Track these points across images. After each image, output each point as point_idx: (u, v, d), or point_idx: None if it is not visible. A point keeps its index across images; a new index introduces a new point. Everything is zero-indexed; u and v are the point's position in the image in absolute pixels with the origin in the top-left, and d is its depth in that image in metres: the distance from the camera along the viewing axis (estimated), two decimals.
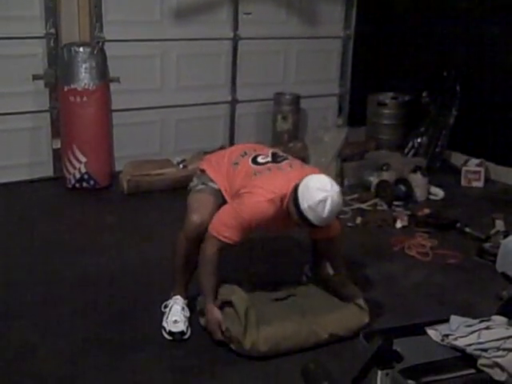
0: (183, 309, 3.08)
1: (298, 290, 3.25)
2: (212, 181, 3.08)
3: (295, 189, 2.77)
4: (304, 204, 2.72)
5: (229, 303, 2.93)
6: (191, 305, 3.14)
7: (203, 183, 3.09)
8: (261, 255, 3.85)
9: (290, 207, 2.81)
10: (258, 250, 3.85)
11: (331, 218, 2.78)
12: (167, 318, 3.04)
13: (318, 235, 3.16)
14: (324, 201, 2.70)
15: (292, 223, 2.91)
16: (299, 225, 2.89)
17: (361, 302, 3.10)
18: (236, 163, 3.06)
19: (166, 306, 3.11)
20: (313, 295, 3.20)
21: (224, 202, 3.02)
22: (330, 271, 3.28)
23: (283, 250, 3.93)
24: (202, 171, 3.16)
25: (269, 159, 3.03)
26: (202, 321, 3.06)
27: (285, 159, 3.05)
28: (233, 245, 2.90)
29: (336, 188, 2.77)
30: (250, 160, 3.03)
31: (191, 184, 3.17)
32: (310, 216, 2.73)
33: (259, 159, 3.03)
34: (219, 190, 3.05)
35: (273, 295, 3.17)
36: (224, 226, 2.87)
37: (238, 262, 3.55)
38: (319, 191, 2.71)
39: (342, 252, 3.32)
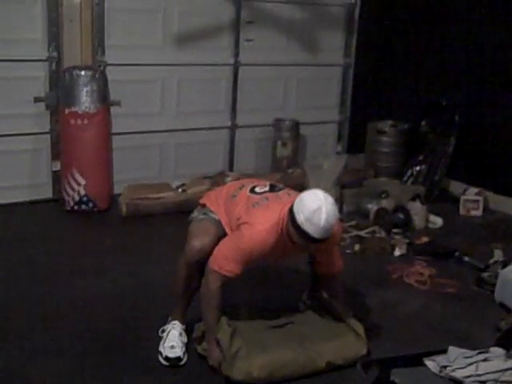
0: (181, 334, 3.06)
1: (296, 318, 3.23)
2: (213, 212, 3.09)
3: (291, 208, 2.77)
4: (300, 217, 2.71)
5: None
6: (189, 330, 3.12)
7: (204, 213, 3.10)
8: (258, 282, 3.83)
9: (288, 228, 2.79)
10: (255, 278, 3.83)
11: (329, 227, 2.74)
12: (164, 343, 3.02)
13: (322, 268, 3.17)
14: (319, 209, 2.69)
15: (292, 250, 2.91)
16: (300, 248, 2.89)
17: (360, 330, 3.08)
18: (234, 196, 3.07)
19: (163, 331, 3.09)
20: (311, 323, 3.19)
21: (224, 233, 3.02)
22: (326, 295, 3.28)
23: (281, 277, 3.91)
24: (203, 206, 3.16)
25: (266, 189, 3.04)
26: (199, 348, 3.04)
27: (282, 189, 3.07)
28: (234, 277, 2.89)
29: (330, 199, 2.78)
30: (247, 190, 3.04)
31: (192, 215, 3.17)
32: (308, 228, 2.71)
33: (257, 189, 3.03)
34: (220, 221, 3.05)
35: (271, 323, 3.15)
36: (225, 260, 2.86)
37: (235, 290, 3.53)
38: (313, 201, 2.72)
39: (342, 289, 3.31)
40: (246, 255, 2.84)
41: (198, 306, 2.99)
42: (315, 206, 2.70)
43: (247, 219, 2.88)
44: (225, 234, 3.01)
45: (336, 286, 3.26)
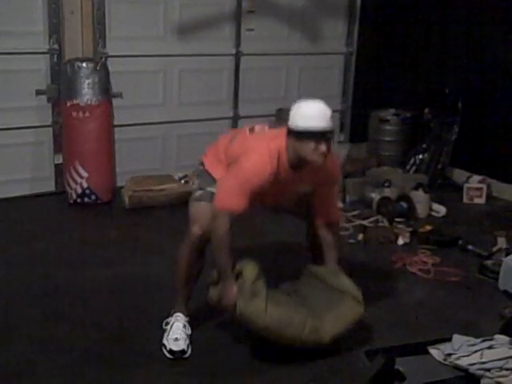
0: (184, 326, 3.06)
1: (298, 286, 3.21)
2: (211, 181, 3.06)
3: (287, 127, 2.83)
4: (294, 119, 2.79)
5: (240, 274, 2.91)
6: (192, 322, 3.12)
7: (201, 188, 3.08)
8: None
9: (287, 146, 2.83)
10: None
11: (326, 115, 2.78)
12: (168, 335, 3.02)
13: (320, 217, 3.16)
14: (309, 103, 2.80)
15: (294, 183, 2.94)
16: (301, 180, 2.93)
17: (355, 292, 3.05)
18: (234, 138, 3.10)
19: (166, 323, 3.09)
20: (311, 292, 3.15)
21: None
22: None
23: (280, 254, 3.91)
24: (202, 165, 3.17)
25: (266, 128, 3.08)
26: (212, 291, 3.02)
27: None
28: (241, 213, 2.86)
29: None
30: (247, 131, 3.08)
31: (192, 187, 3.19)
32: (306, 122, 2.75)
33: (256, 129, 3.07)
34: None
35: (277, 290, 3.15)
36: (228, 196, 2.86)
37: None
38: (302, 103, 2.82)
39: (338, 244, 3.31)
40: (247, 186, 2.82)
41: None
42: (305, 103, 2.81)
43: (244, 151, 2.89)
44: None
45: (332, 239, 3.22)
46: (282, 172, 2.88)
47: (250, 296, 2.84)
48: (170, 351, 2.98)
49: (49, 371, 2.86)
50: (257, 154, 2.86)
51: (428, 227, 4.58)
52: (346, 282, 3.10)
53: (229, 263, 2.91)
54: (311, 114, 2.76)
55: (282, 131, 2.90)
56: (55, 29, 4.86)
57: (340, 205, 4.88)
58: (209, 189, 3.06)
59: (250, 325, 2.87)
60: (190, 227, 3.00)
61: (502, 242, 4.25)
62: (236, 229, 2.91)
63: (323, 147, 2.77)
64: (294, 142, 2.81)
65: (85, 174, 4.87)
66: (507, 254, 3.94)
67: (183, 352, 2.98)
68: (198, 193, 3.09)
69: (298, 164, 2.88)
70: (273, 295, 2.95)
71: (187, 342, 3.01)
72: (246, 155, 2.87)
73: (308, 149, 2.77)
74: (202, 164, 3.18)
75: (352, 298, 3.05)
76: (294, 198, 3.16)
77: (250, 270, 2.91)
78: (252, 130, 3.07)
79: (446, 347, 2.62)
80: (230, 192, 2.86)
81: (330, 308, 3.01)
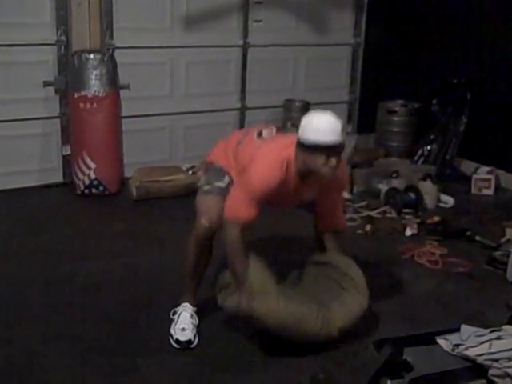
0: (192, 316, 3.07)
1: (305, 276, 3.21)
2: (219, 176, 3.07)
3: (297, 138, 2.81)
4: (305, 131, 2.76)
5: None
6: (200, 311, 3.13)
7: (208, 183, 3.09)
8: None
9: (299, 159, 2.81)
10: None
11: (336, 129, 2.76)
12: (175, 325, 3.03)
13: (326, 222, 3.17)
14: (321, 116, 2.80)
15: (302, 191, 2.94)
16: (309, 187, 2.92)
17: (360, 282, 3.05)
18: (240, 142, 3.08)
19: (174, 313, 3.10)
20: (318, 282, 3.14)
21: None
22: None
23: (284, 247, 3.92)
24: (210, 163, 3.17)
25: (273, 133, 3.07)
26: (220, 298, 3.02)
27: (291, 133, 3.07)
28: (252, 222, 2.88)
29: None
30: (254, 135, 3.06)
31: (199, 182, 3.18)
32: (313, 136, 2.73)
33: (264, 133, 3.05)
34: (226, 188, 3.03)
35: (286, 285, 3.15)
36: (238, 206, 2.87)
37: None
38: (313, 115, 2.83)
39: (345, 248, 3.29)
40: (256, 194, 2.83)
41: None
42: (316, 116, 2.81)
43: (253, 159, 2.89)
44: None
45: (339, 244, 3.22)
46: (291, 182, 2.88)
47: (260, 296, 2.83)
48: (177, 341, 2.99)
49: (56, 361, 2.88)
50: (266, 164, 2.85)
51: (436, 218, 4.57)
52: (353, 271, 3.10)
53: (243, 269, 2.90)
54: (322, 127, 2.73)
55: (291, 140, 2.87)
56: (63, 20, 4.86)
57: (348, 195, 4.88)
58: (216, 183, 3.07)
59: (263, 324, 2.85)
60: (198, 219, 3.00)
61: (510, 233, 4.24)
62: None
63: (333, 161, 2.76)
64: (304, 155, 2.79)
65: (92, 165, 4.87)
66: None
67: (190, 342, 2.99)
68: (206, 187, 3.09)
69: (307, 175, 2.88)
70: (283, 291, 2.95)
71: (194, 332, 3.03)
72: (255, 165, 2.86)
73: (318, 162, 2.76)
74: (210, 160, 3.18)
75: (358, 289, 3.04)
76: (299, 202, 3.15)
77: (256, 271, 2.90)
78: (260, 134, 3.05)
79: (454, 338, 2.60)
80: (239, 202, 2.87)
81: (337, 299, 3.00)
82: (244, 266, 2.90)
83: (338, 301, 3.00)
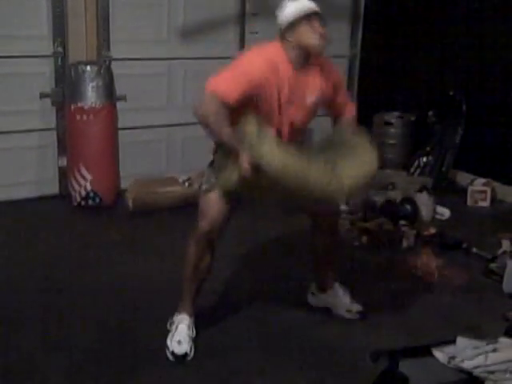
0: (189, 328, 3.06)
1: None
2: (218, 172, 2.97)
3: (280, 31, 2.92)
4: (284, 16, 2.92)
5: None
6: (197, 322, 3.12)
7: (207, 182, 3.02)
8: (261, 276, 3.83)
9: (286, 47, 2.90)
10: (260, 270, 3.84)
11: (310, 1, 2.89)
12: (172, 336, 3.02)
13: (337, 111, 3.29)
14: None
15: (301, 100, 2.96)
16: (308, 90, 2.95)
17: (370, 148, 3.00)
18: None
19: (171, 324, 3.09)
20: (325, 147, 3.04)
21: (237, 204, 2.98)
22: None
23: (286, 270, 3.92)
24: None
25: None
26: (227, 174, 2.81)
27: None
28: (228, 103, 2.74)
29: None
30: None
31: (201, 186, 3.12)
32: (292, 11, 2.87)
33: None
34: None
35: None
36: (219, 81, 2.79)
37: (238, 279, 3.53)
38: (288, 1, 2.95)
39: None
40: (241, 75, 2.80)
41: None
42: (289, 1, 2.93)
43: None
44: (238, 204, 2.98)
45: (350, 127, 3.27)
46: (285, 76, 2.87)
47: (259, 141, 2.63)
48: (173, 353, 2.97)
49: (51, 371, 2.87)
50: (254, 52, 2.94)
51: (432, 230, 4.57)
52: (361, 140, 3.04)
53: (231, 133, 2.70)
54: (297, 2, 2.88)
55: (272, 44, 2.97)
56: (59, 32, 4.88)
57: (344, 206, 4.88)
58: (215, 180, 3.01)
59: (268, 169, 2.59)
60: (199, 222, 2.98)
61: (506, 245, 4.23)
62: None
63: (319, 27, 2.87)
64: (291, 36, 2.88)
65: (89, 177, 4.87)
66: None
67: (185, 355, 2.97)
68: (205, 186, 3.04)
69: (300, 60, 2.91)
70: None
71: (190, 344, 3.01)
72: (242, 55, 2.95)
73: (306, 32, 2.86)
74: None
75: (367, 152, 2.98)
76: (294, 114, 3.02)
77: (252, 123, 2.71)
78: None
79: (450, 350, 2.60)
80: (222, 78, 2.81)
81: (346, 157, 2.89)
82: (228, 129, 2.70)
83: (347, 159, 2.87)
